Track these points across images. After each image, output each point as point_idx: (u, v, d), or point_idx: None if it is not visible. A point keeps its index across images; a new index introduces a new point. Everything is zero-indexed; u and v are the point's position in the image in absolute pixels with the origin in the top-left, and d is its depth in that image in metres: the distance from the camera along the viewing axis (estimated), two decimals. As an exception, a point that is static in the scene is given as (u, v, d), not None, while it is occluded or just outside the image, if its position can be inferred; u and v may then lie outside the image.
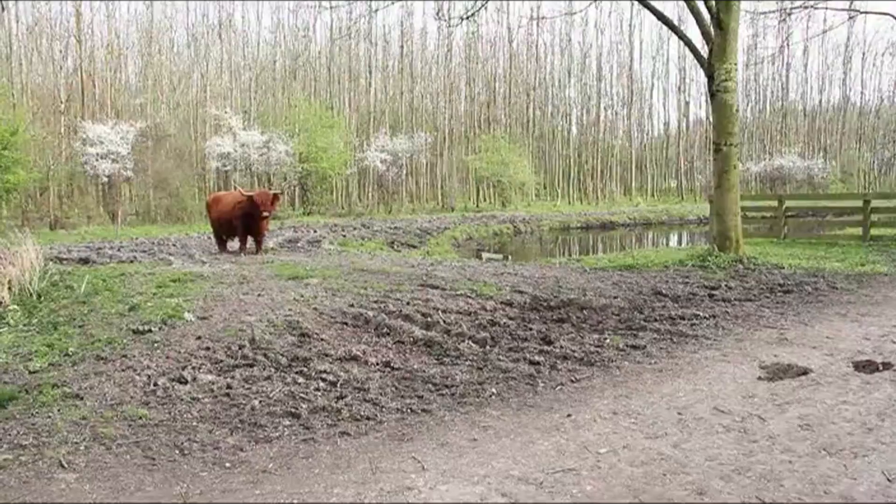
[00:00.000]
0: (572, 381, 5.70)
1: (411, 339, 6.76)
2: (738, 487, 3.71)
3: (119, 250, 15.37)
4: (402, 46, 48.96)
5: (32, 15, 37.09)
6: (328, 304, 7.77)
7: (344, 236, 21.08)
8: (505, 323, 7.58)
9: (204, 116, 39.58)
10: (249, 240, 14.01)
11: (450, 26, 38.47)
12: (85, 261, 12.82)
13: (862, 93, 64.13)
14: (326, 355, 6.20)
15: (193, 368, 5.71)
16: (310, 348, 6.34)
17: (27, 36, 36.52)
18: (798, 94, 61.89)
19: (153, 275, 9.66)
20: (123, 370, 5.61)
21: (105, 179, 29.39)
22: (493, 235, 28.51)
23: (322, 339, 6.62)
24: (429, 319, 7.40)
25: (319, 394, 5.29)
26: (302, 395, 5.24)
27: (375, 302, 8.03)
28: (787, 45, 46.11)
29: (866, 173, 60.55)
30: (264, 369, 5.77)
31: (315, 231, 21.94)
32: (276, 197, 13.72)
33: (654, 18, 13.99)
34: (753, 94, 60.74)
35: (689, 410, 4.95)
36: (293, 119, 36.73)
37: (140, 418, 4.72)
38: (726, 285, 10.01)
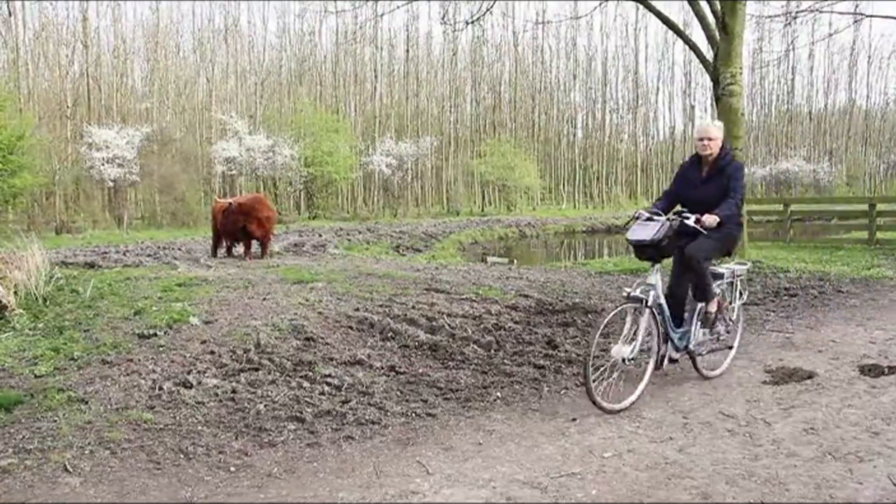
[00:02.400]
0: (577, 385, 5.69)
1: (416, 343, 6.76)
2: (742, 491, 3.70)
3: (125, 254, 15.41)
4: (407, 51, 49.07)
5: (39, 20, 37.33)
6: (333, 308, 7.78)
7: (349, 240, 21.10)
8: (510, 327, 7.57)
9: (209, 121, 39.73)
10: (254, 244, 14.10)
11: (455, 31, 38.45)
12: (90, 265, 12.86)
13: (868, 96, 63.96)
14: (331, 359, 6.20)
15: (198, 373, 5.72)
16: (314, 352, 6.35)
17: (34, 41, 36.73)
18: (804, 98, 61.82)
19: (159, 279, 9.69)
20: (129, 374, 5.63)
21: (111, 184, 29.49)
22: (499, 239, 28.52)
23: (327, 343, 6.62)
24: (434, 323, 7.40)
25: (324, 398, 5.29)
26: (307, 399, 5.24)
27: (380, 306, 8.04)
28: (793, 48, 46.03)
29: (872, 177, 60.45)
30: (269, 373, 5.78)
31: (320, 235, 21.97)
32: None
33: (659, 22, 14.00)
34: (759, 97, 60.74)
35: (694, 414, 4.94)
36: (299, 123, 36.82)
37: (145, 422, 4.73)
38: (732, 289, 9.98)
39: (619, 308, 5.19)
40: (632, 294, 5.12)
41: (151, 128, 33.08)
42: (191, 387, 5.41)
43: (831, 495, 3.65)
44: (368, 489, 3.83)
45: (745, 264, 6.29)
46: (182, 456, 4.27)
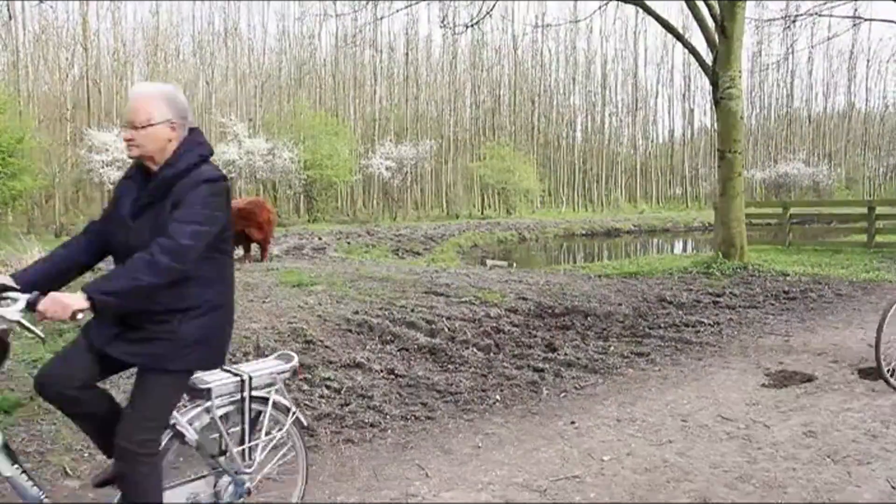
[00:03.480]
0: (576, 388, 5.70)
1: (416, 346, 6.77)
2: (741, 495, 3.71)
3: (124, 257, 15.41)
4: (407, 54, 49.06)
5: (39, 23, 37.32)
6: (332, 312, 7.78)
7: (349, 243, 21.10)
8: (509, 330, 7.58)
9: (209, 124, 39.72)
10: (253, 247, 14.12)
11: (455, 34, 38.48)
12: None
13: (867, 99, 64.02)
14: (331, 362, 6.21)
15: (198, 375, 5.71)
16: (314, 355, 6.35)
17: (34, 44, 36.72)
18: (803, 101, 61.83)
19: (158, 282, 9.67)
20: (128, 377, 5.62)
21: (110, 186, 29.45)
22: (498, 242, 28.49)
23: (326, 347, 6.62)
24: (433, 326, 7.41)
25: (324, 401, 5.29)
26: (306, 402, 5.24)
27: (380, 309, 8.04)
28: (792, 52, 46.07)
29: (871, 180, 60.45)
30: (268, 376, 5.77)
31: (320, 238, 21.97)
32: None
33: (658, 26, 14.02)
34: (758, 101, 60.69)
35: (693, 418, 4.94)
36: (298, 126, 36.80)
37: (144, 425, 4.72)
38: (731, 292, 10.00)
39: None
40: None
41: (151, 130, 33.00)
42: (190, 390, 5.40)
43: (830, 498, 3.66)
44: (367, 492, 3.83)
45: (292, 359, 3.25)
46: (181, 458, 4.27)
